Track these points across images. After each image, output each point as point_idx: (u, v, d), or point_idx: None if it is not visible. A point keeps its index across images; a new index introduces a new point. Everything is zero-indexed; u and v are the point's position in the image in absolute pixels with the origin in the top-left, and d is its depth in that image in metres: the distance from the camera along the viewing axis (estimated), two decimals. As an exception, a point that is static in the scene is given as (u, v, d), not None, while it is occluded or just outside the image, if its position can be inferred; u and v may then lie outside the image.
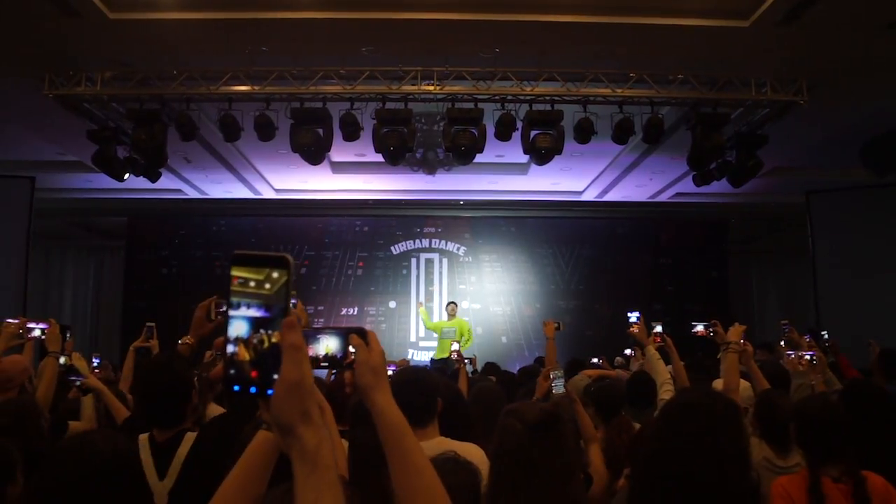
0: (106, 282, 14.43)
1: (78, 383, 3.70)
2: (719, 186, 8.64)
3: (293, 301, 2.66)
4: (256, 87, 6.98)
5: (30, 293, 9.80)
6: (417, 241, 13.20)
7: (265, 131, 7.05)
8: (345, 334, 1.25)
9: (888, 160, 8.87)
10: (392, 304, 12.87)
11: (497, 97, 7.06)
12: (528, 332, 12.68)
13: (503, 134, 7.04)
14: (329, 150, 7.51)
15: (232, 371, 0.88)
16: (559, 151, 7.15)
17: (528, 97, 7.04)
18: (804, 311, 11.26)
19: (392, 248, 13.15)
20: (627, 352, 7.90)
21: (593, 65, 6.88)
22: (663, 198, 12.30)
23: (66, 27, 6.14)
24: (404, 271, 13.08)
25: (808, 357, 3.98)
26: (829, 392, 3.91)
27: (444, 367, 7.17)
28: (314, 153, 7.17)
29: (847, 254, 9.98)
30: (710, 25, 6.21)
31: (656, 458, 1.90)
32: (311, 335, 1.26)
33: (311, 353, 1.25)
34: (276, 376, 0.87)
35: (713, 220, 13.62)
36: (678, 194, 11.92)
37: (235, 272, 0.89)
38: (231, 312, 0.88)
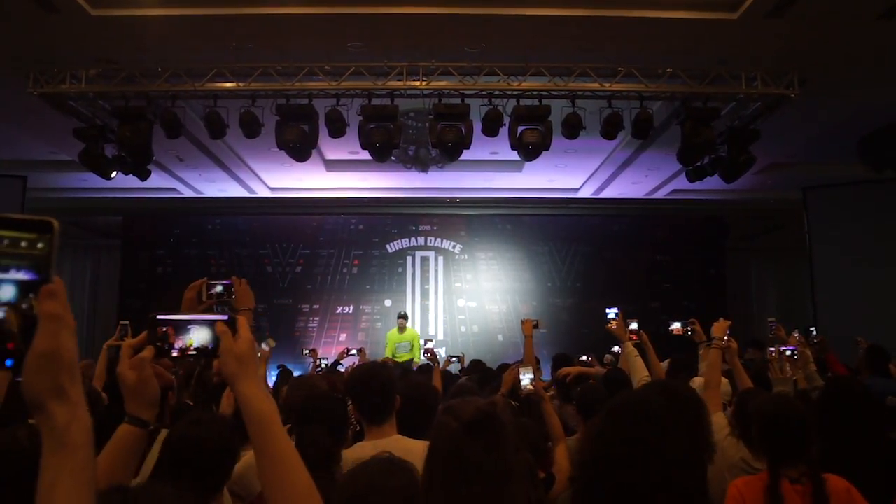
0: (102, 281, 14.42)
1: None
2: (716, 183, 8.56)
3: (228, 282, 2.59)
4: (241, 84, 6.93)
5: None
6: (413, 238, 13.15)
7: (250, 128, 7.01)
8: (212, 323, 1.20)
9: (885, 155, 8.78)
10: (388, 303, 12.82)
11: (484, 92, 6.99)
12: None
13: (490, 129, 6.97)
14: (315, 147, 7.45)
15: None
16: (547, 147, 7.08)
17: (516, 92, 6.97)
18: (802, 308, 11.19)
19: (387, 246, 13.11)
20: (616, 349, 7.83)
21: (581, 59, 6.81)
22: (660, 195, 12.23)
23: (48, 24, 6.10)
24: (400, 269, 13.04)
25: (788, 352, 3.90)
26: (809, 389, 3.85)
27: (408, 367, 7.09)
28: (300, 150, 7.12)
29: (844, 249, 9.90)
30: (697, 18, 6.13)
31: (598, 463, 1.82)
32: (182, 325, 1.21)
33: (180, 343, 1.20)
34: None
35: (710, 216, 13.53)
36: (675, 191, 11.85)
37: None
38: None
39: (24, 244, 0.82)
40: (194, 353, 1.21)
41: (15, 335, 0.81)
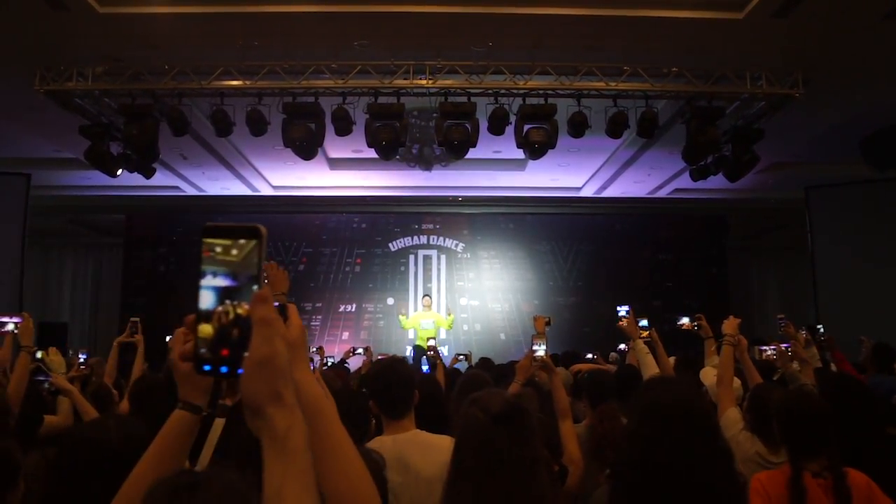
0: (104, 279, 14.43)
1: (46, 384, 3.55)
2: (718, 182, 8.58)
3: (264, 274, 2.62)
4: (248, 82, 6.94)
5: (28, 291, 9.79)
6: (416, 237, 13.17)
7: (257, 126, 7.02)
8: None
9: (888, 155, 8.80)
10: (390, 301, 12.83)
11: (490, 91, 7.00)
12: (527, 328, 12.62)
13: (496, 128, 6.99)
14: (321, 145, 7.46)
15: (202, 350, 0.83)
16: (553, 146, 7.10)
17: (522, 91, 6.98)
18: (804, 307, 11.20)
19: (390, 244, 13.12)
20: (622, 347, 7.85)
21: (587, 58, 6.82)
22: (662, 194, 12.25)
23: (56, 21, 6.11)
24: (402, 268, 13.05)
25: (784, 347, 3.99)
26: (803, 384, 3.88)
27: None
28: (306, 148, 7.13)
29: (846, 249, 9.92)
30: (703, 18, 6.15)
31: (641, 461, 1.84)
32: None
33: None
34: (246, 354, 0.81)
35: (713, 216, 13.56)
36: (677, 190, 11.87)
37: (207, 242, 0.84)
38: (201, 283, 0.83)
39: (219, 250, 0.83)
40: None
41: (232, 342, 0.82)
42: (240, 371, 0.81)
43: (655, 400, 1.94)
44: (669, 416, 1.86)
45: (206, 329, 0.82)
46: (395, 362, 2.75)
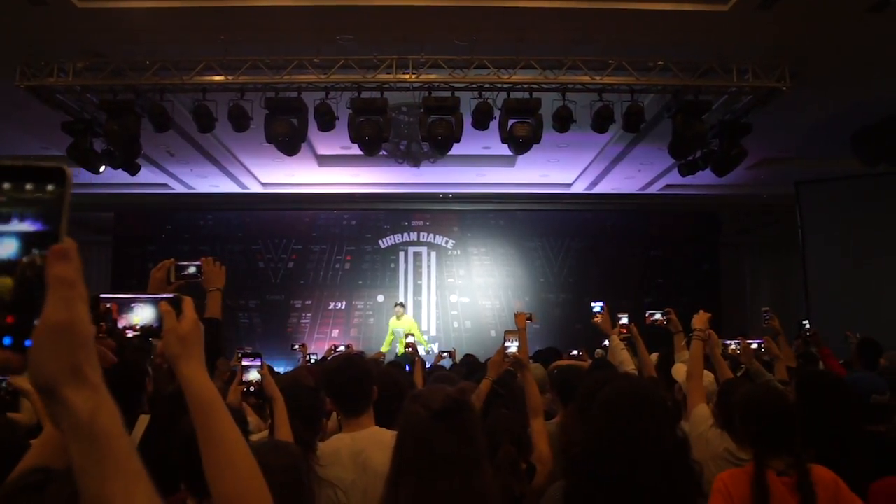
0: (93, 277, 14.34)
1: (3, 385, 3.41)
2: (709, 178, 8.54)
3: (198, 262, 2.55)
4: (230, 77, 6.88)
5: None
6: (405, 234, 13.11)
7: (239, 122, 6.97)
8: (157, 302, 1.16)
9: (878, 150, 8.76)
10: (380, 298, 12.77)
11: (474, 85, 6.95)
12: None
13: (480, 123, 6.93)
14: (304, 141, 7.40)
15: None
16: (537, 140, 7.04)
17: (506, 85, 6.93)
18: (796, 302, 11.17)
19: (380, 241, 13.07)
20: (607, 343, 7.79)
21: (571, 52, 6.76)
22: (653, 190, 12.21)
23: (34, 16, 6.04)
24: (392, 265, 13.00)
25: (754, 345, 3.97)
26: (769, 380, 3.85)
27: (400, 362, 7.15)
28: (289, 143, 7.08)
29: (837, 243, 9.89)
30: (689, 10, 6.11)
31: (595, 452, 1.81)
32: (126, 303, 1.17)
33: (124, 322, 1.16)
34: (36, 322, 0.63)
35: (704, 211, 13.52)
36: (668, 186, 11.83)
37: None
38: None
39: (28, 189, 0.65)
40: (138, 332, 1.17)
41: (15, 305, 0.63)
42: (27, 343, 0.63)
43: (609, 392, 1.90)
44: (623, 406, 1.83)
45: (4, 284, 0.63)
46: (352, 358, 2.69)
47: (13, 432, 2.04)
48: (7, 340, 0.63)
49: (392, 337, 10.72)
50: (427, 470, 1.59)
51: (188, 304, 1.12)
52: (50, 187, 0.65)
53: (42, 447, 1.12)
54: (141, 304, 1.18)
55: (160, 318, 1.15)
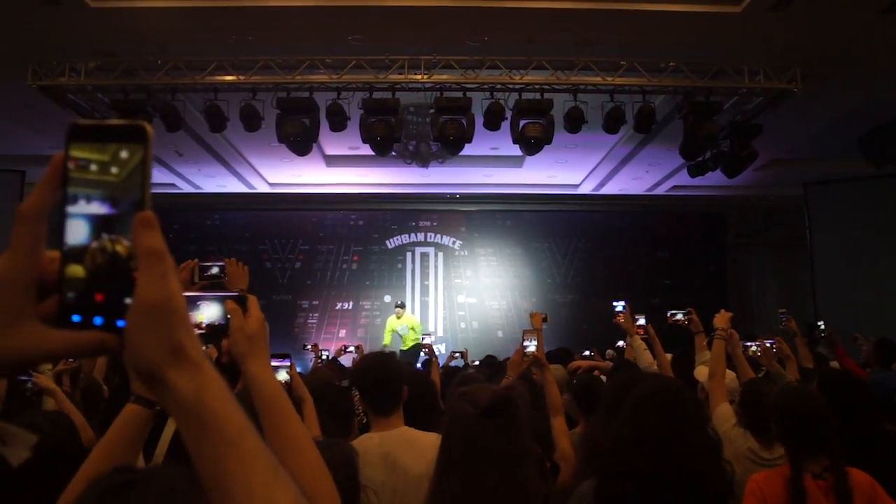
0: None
1: (29, 384, 3.39)
2: (717, 179, 8.53)
3: (221, 263, 2.55)
4: (242, 77, 6.89)
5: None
6: (412, 234, 13.12)
7: (251, 122, 6.97)
8: (223, 300, 1.16)
9: (886, 152, 8.76)
10: (387, 299, 12.77)
11: (486, 86, 6.95)
12: (525, 326, 12.53)
13: (492, 123, 6.93)
14: (315, 141, 7.41)
15: (70, 294, 0.59)
16: (549, 141, 7.04)
17: (518, 86, 6.93)
18: (803, 303, 11.15)
19: (387, 241, 13.08)
20: (620, 343, 7.79)
21: (583, 53, 6.77)
22: (660, 190, 12.21)
23: (47, 16, 6.05)
24: (399, 265, 13.01)
25: (769, 345, 3.97)
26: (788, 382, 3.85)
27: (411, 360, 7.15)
28: (301, 144, 7.08)
29: (845, 245, 9.87)
30: (701, 11, 6.10)
31: (626, 452, 1.81)
32: (190, 301, 1.17)
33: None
34: (129, 300, 0.58)
35: (711, 212, 13.51)
36: (675, 187, 11.82)
37: (74, 152, 0.60)
38: (68, 209, 0.59)
39: (94, 168, 0.60)
40: (204, 330, 1.17)
41: (109, 284, 0.59)
42: (120, 323, 0.59)
43: (640, 390, 1.90)
44: (656, 405, 1.83)
45: (76, 270, 0.59)
46: (384, 357, 2.69)
47: (72, 433, 2.04)
48: (98, 320, 0.59)
49: (391, 337, 10.73)
50: (473, 466, 1.60)
51: (253, 302, 1.13)
52: (124, 154, 0.60)
53: (106, 446, 1.12)
54: (206, 302, 1.18)
55: (225, 315, 1.15)
